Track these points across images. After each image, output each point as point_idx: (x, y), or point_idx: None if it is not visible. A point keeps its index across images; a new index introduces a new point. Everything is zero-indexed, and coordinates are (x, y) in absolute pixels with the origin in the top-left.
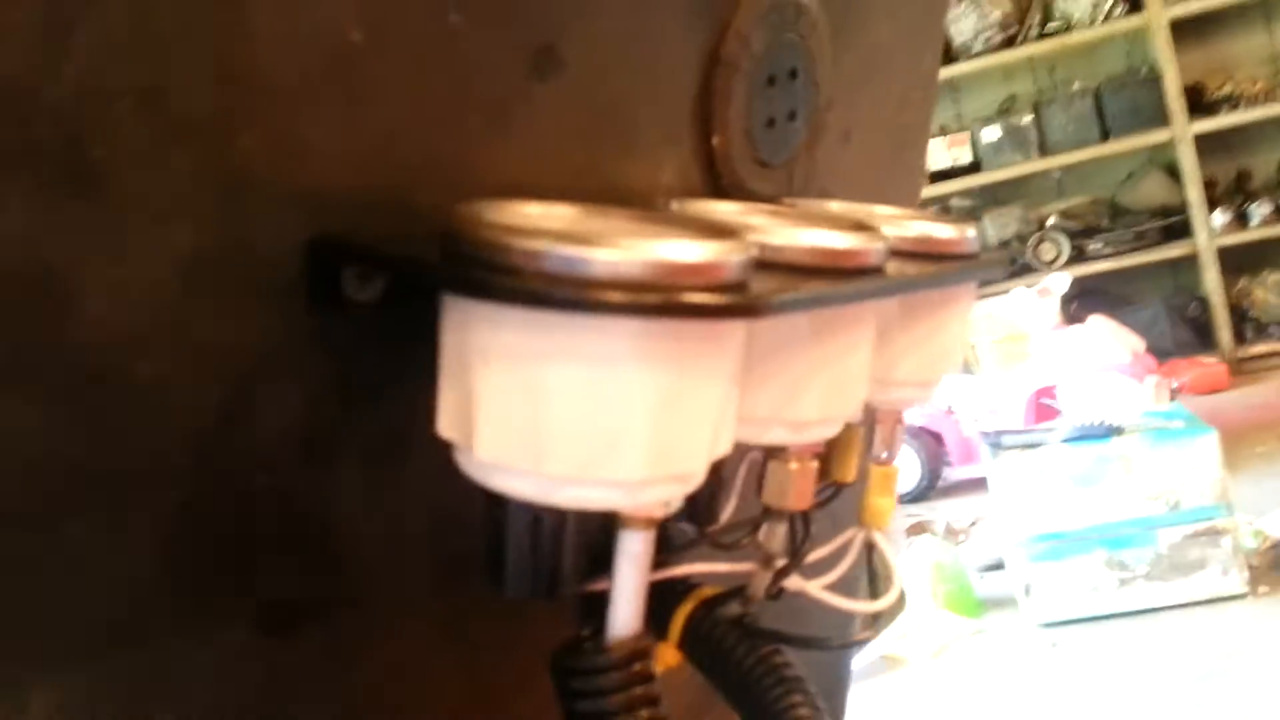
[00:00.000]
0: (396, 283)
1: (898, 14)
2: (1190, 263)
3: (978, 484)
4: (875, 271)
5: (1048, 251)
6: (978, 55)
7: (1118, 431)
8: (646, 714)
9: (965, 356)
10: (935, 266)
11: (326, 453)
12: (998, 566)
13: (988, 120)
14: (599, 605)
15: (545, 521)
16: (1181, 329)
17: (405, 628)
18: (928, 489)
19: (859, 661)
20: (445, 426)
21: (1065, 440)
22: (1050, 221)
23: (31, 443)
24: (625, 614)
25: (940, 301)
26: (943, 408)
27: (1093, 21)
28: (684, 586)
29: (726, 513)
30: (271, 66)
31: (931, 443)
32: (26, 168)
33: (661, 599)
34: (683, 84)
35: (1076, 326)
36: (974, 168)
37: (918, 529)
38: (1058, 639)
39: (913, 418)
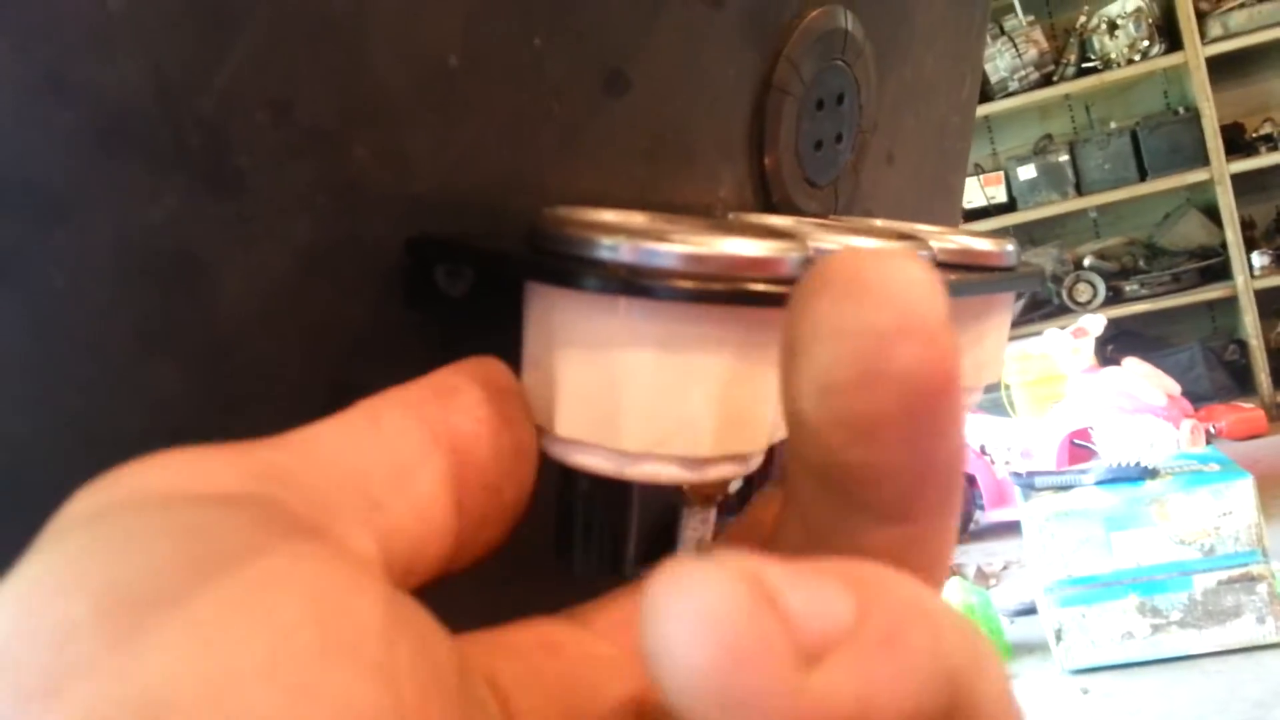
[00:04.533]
0: (483, 279)
1: (938, 44)
2: (1228, 305)
3: (1010, 528)
4: None
5: (1083, 292)
6: (1014, 94)
7: (1152, 474)
8: None
9: (1000, 398)
10: (975, 276)
11: None
12: (1029, 611)
13: (1023, 159)
14: None
15: (613, 500)
16: (1219, 372)
17: (485, 606)
18: (960, 532)
19: None
20: None
21: (1098, 482)
22: (1086, 262)
23: (174, 410)
24: None
25: (980, 313)
26: (974, 449)
27: (1130, 60)
28: None
29: None
30: (383, 87)
31: (964, 485)
32: (179, 167)
33: None
34: (738, 107)
35: (1111, 369)
36: (1009, 207)
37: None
38: (1089, 685)
39: None
